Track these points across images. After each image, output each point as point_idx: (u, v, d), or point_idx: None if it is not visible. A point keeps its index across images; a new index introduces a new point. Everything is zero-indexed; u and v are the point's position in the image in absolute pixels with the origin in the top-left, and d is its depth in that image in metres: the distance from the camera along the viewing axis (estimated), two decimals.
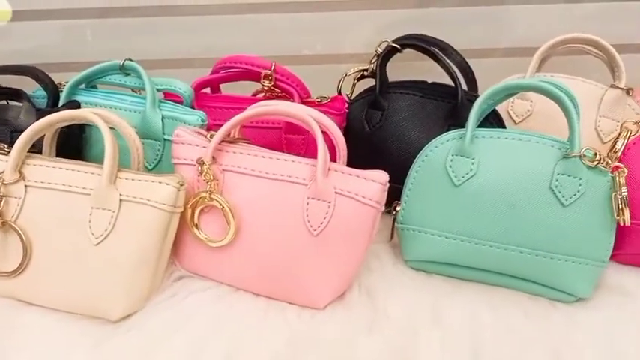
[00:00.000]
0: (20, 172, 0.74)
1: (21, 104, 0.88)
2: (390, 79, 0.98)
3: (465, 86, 0.97)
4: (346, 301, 0.77)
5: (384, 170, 0.74)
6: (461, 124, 0.82)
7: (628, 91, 0.97)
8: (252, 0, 1.15)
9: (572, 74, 1.00)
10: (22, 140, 0.74)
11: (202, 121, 0.87)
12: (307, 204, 0.73)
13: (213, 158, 0.76)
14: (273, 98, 0.96)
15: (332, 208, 0.73)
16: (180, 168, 0.78)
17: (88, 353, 0.69)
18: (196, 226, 0.77)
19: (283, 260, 0.75)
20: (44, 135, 0.79)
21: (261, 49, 1.09)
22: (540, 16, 1.17)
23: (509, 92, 0.81)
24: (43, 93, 0.95)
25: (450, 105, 0.92)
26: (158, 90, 0.92)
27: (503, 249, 0.76)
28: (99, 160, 0.73)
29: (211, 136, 0.77)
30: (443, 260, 0.80)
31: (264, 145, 0.80)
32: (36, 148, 0.77)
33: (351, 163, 0.77)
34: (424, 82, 0.95)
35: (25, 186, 0.74)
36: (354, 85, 1.01)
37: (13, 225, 0.73)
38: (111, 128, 0.74)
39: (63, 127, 0.80)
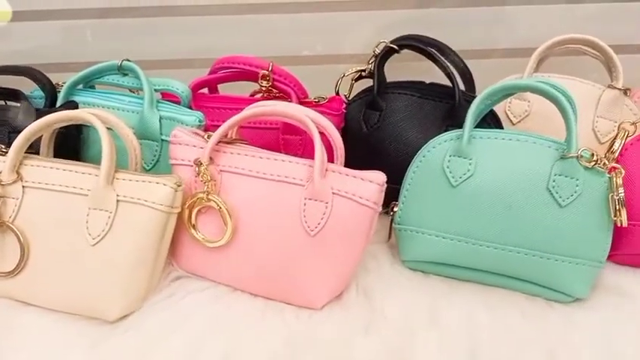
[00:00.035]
0: (18, 173, 0.75)
1: (19, 104, 0.88)
2: (388, 80, 0.98)
3: (462, 87, 0.97)
4: (343, 302, 0.77)
5: (382, 171, 0.74)
6: (458, 124, 0.81)
7: (625, 91, 0.97)
8: (252, 0, 1.15)
9: (571, 75, 1.00)
10: (20, 141, 0.74)
11: (200, 121, 0.88)
12: (304, 204, 0.73)
13: (211, 159, 0.76)
14: (271, 99, 0.96)
15: (329, 209, 0.73)
16: (177, 168, 0.78)
17: (86, 354, 0.69)
18: (194, 226, 0.77)
19: (280, 261, 0.75)
20: (42, 135, 0.79)
21: (261, 49, 1.09)
22: (540, 16, 1.17)
23: (507, 93, 0.81)
24: (40, 93, 0.96)
25: (447, 105, 0.92)
26: (156, 90, 0.92)
27: (500, 249, 0.76)
28: (96, 161, 0.73)
29: (209, 137, 0.77)
30: (440, 261, 0.80)
31: (262, 146, 0.80)
32: (33, 149, 0.77)
33: (349, 163, 0.77)
34: (422, 83, 0.96)
35: (23, 186, 0.74)
36: (351, 86, 1.01)
37: (10, 225, 0.73)
38: (108, 129, 0.74)
39: (60, 128, 0.80)
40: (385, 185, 0.74)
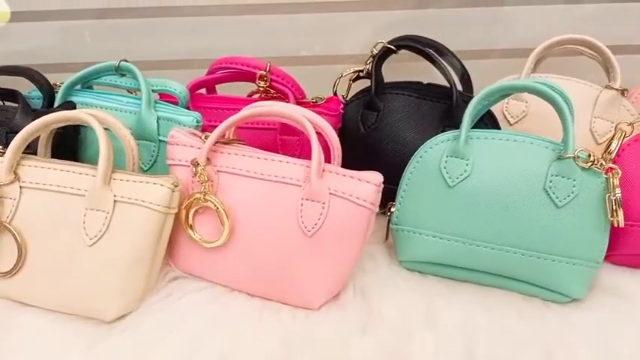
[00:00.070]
0: (15, 173, 0.75)
1: (16, 105, 0.88)
2: (386, 80, 0.98)
3: (460, 87, 0.97)
4: (340, 302, 0.78)
5: (379, 171, 0.74)
6: (456, 125, 0.81)
7: (623, 92, 0.97)
8: (251, 1, 1.15)
9: (569, 75, 1.01)
10: (17, 141, 0.75)
11: (197, 122, 0.88)
12: (301, 205, 0.74)
13: (208, 159, 0.76)
14: (269, 99, 0.96)
15: (326, 209, 0.73)
16: (174, 169, 0.79)
17: (83, 354, 0.69)
18: (191, 227, 0.77)
19: (278, 261, 0.75)
20: (39, 136, 0.79)
21: (259, 50, 1.09)
22: (539, 17, 1.17)
23: (504, 93, 0.81)
24: (38, 94, 0.96)
25: (445, 106, 0.92)
26: (153, 91, 0.92)
27: (497, 250, 0.77)
28: (94, 161, 0.73)
29: (206, 137, 0.77)
30: (437, 261, 0.80)
31: (260, 146, 0.80)
32: (31, 149, 0.77)
33: (347, 163, 0.77)
34: (419, 83, 0.95)
35: (20, 187, 0.74)
36: (349, 86, 1.01)
37: (7, 226, 0.73)
38: (106, 129, 0.74)
39: (58, 128, 0.80)
40: (382, 186, 0.74)
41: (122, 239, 0.72)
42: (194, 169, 0.75)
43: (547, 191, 0.75)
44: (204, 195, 0.75)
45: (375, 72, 0.97)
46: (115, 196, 0.72)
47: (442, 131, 0.84)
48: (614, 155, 0.80)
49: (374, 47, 0.99)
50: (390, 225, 0.83)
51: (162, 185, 0.72)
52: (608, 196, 0.74)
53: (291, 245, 0.74)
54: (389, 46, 0.97)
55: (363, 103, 0.96)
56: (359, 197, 0.73)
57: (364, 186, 0.73)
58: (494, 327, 0.74)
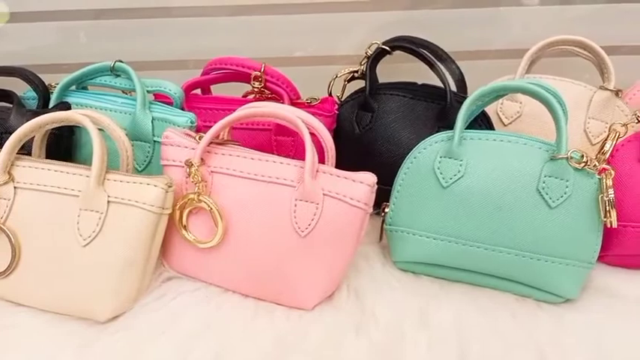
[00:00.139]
0: (9, 174, 0.75)
1: (11, 105, 0.88)
2: (380, 81, 0.99)
3: (454, 88, 0.97)
4: (334, 303, 0.78)
5: (374, 172, 0.74)
6: (450, 125, 0.81)
7: (617, 92, 0.97)
8: (245, 2, 1.15)
9: (564, 76, 1.01)
10: (12, 141, 0.75)
11: (192, 122, 0.88)
12: (295, 205, 0.74)
13: (202, 160, 0.76)
14: (263, 100, 0.96)
15: (320, 210, 0.73)
16: (168, 169, 0.79)
17: (76, 354, 0.69)
18: (185, 227, 0.77)
19: (271, 261, 0.75)
20: (34, 136, 0.79)
21: (254, 50, 1.09)
22: (534, 17, 1.17)
23: (497, 94, 0.81)
24: (33, 94, 0.96)
25: (439, 106, 0.92)
26: (148, 92, 0.92)
27: (490, 250, 0.77)
28: (89, 162, 0.73)
29: (200, 138, 0.77)
30: (431, 261, 0.80)
31: (254, 147, 0.80)
32: (25, 150, 0.77)
33: (341, 164, 0.77)
34: (414, 84, 0.96)
35: (14, 187, 0.74)
36: (344, 87, 1.01)
37: (1, 226, 0.73)
38: (100, 130, 0.74)
39: (53, 129, 0.80)
40: (376, 186, 0.74)
41: (116, 240, 0.72)
42: (188, 170, 0.75)
43: (540, 192, 0.75)
44: (198, 195, 0.75)
45: (369, 72, 0.97)
46: (108, 196, 0.72)
47: (437, 132, 0.83)
48: (608, 156, 0.80)
49: (368, 48, 0.99)
50: (384, 225, 0.83)
51: (155, 186, 0.72)
52: (601, 196, 0.74)
53: (285, 246, 0.74)
54: (383, 46, 0.97)
55: (357, 104, 0.96)
56: (352, 198, 0.73)
57: (358, 186, 0.73)
58: (487, 327, 0.74)
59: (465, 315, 0.75)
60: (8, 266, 0.73)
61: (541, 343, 0.72)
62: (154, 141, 0.88)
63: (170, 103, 0.93)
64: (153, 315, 0.74)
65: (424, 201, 0.79)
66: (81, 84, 0.97)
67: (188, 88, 0.98)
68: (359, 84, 1.00)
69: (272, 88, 0.96)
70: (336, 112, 0.96)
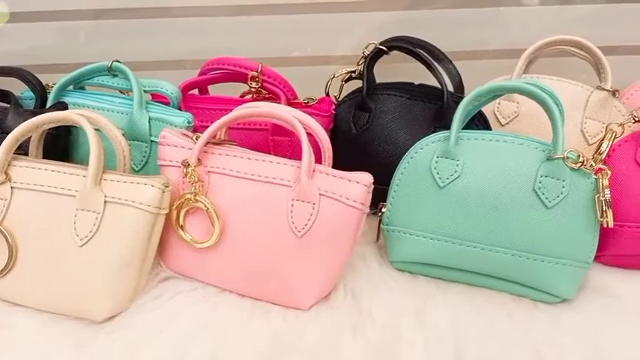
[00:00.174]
0: (6, 174, 0.75)
1: (8, 105, 0.88)
2: (378, 81, 0.99)
3: (451, 88, 0.97)
4: (331, 303, 0.78)
5: (371, 172, 0.74)
6: (447, 125, 0.81)
7: (614, 92, 0.97)
8: (243, 2, 1.15)
9: (561, 76, 1.01)
10: (9, 141, 0.75)
11: (188, 122, 0.88)
12: (292, 205, 0.74)
13: (199, 160, 0.76)
14: (261, 100, 0.96)
15: (316, 210, 0.73)
16: (165, 169, 0.79)
17: (73, 354, 0.69)
18: (182, 227, 0.77)
19: (268, 261, 0.75)
20: (31, 136, 0.79)
21: (252, 50, 1.09)
22: (532, 17, 1.17)
23: (494, 94, 0.81)
24: (31, 94, 0.96)
25: (436, 107, 0.92)
26: (145, 92, 0.92)
27: (487, 250, 0.77)
28: (86, 162, 0.73)
29: (197, 138, 0.77)
30: (427, 261, 0.80)
31: (251, 147, 0.80)
32: (22, 150, 0.77)
33: (338, 164, 0.77)
34: (411, 84, 0.96)
35: (11, 187, 0.74)
36: (341, 87, 1.01)
37: None
38: (97, 130, 0.74)
39: (50, 129, 0.80)
40: (372, 186, 0.74)
41: (113, 240, 0.72)
42: (185, 170, 0.75)
43: (536, 192, 0.75)
44: (195, 195, 0.75)
45: (366, 73, 0.97)
46: (105, 196, 0.72)
47: (433, 132, 0.83)
48: (604, 156, 0.80)
49: (366, 48, 0.99)
50: (381, 225, 0.83)
51: (152, 186, 0.72)
52: (598, 196, 0.74)
53: (282, 246, 0.74)
54: (380, 47, 0.97)
55: (354, 104, 0.97)
56: (349, 198, 0.73)
57: (354, 186, 0.73)
58: (483, 327, 0.74)
59: (462, 315, 0.76)
60: (5, 266, 0.73)
61: (538, 343, 0.72)
62: (151, 141, 0.88)
63: (167, 103, 0.93)
64: (150, 315, 0.74)
65: (421, 201, 0.79)
66: (78, 84, 0.97)
67: (185, 88, 0.98)
68: (356, 84, 1.00)
69: (269, 88, 0.96)
70: (333, 112, 0.96)
